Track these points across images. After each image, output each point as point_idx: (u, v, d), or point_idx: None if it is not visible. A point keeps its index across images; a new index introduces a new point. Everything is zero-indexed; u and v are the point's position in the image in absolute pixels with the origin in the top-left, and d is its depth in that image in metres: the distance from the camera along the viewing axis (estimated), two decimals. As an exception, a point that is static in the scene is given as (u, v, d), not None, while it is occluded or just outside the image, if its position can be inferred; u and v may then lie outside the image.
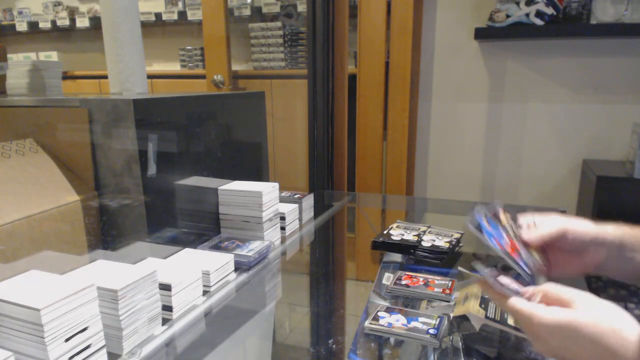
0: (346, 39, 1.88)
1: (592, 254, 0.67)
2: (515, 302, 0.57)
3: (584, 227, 0.67)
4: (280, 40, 2.67)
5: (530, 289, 0.59)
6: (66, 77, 3.02)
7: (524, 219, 0.72)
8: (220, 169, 1.18)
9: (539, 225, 0.69)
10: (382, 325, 0.76)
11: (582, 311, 0.52)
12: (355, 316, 0.84)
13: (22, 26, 3.35)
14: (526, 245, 0.68)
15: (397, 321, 0.77)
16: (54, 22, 3.27)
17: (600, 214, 1.68)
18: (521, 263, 0.65)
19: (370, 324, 0.77)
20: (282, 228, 1.23)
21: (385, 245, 1.13)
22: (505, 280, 0.61)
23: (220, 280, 0.93)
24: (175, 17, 2.98)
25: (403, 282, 0.94)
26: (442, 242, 1.11)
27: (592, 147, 1.99)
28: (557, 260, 0.69)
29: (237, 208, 1.13)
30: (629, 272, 0.67)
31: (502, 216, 0.73)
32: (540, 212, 0.73)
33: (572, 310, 0.52)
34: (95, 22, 3.18)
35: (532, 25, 1.83)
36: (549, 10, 1.80)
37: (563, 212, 1.45)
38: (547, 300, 0.56)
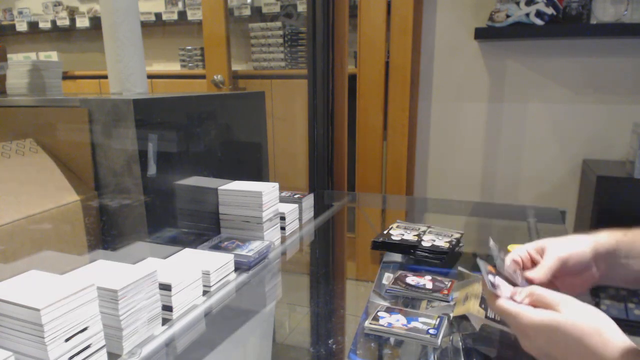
0: (346, 39, 1.88)
1: (593, 271, 0.68)
2: (502, 302, 0.60)
3: (581, 249, 0.68)
4: (280, 40, 2.67)
5: (519, 290, 0.61)
6: (66, 77, 3.02)
7: (518, 255, 0.71)
8: (220, 169, 1.18)
9: (539, 263, 0.69)
10: (382, 325, 0.76)
11: (567, 313, 0.54)
12: (355, 316, 0.84)
13: (22, 26, 3.35)
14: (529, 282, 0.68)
15: (397, 321, 0.77)
16: (54, 22, 3.27)
17: (600, 214, 1.68)
18: None
19: (370, 324, 0.77)
20: (282, 228, 1.23)
21: (385, 245, 1.13)
22: (499, 280, 0.63)
23: (220, 280, 0.93)
24: (175, 17, 2.98)
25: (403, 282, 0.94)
26: (442, 242, 1.10)
27: (592, 147, 1.99)
28: (560, 285, 0.70)
29: (237, 208, 1.13)
30: (623, 278, 0.69)
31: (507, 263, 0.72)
32: (533, 241, 0.73)
33: (557, 312, 0.55)
34: (95, 22, 3.18)
35: (532, 25, 1.83)
36: (549, 10, 1.80)
37: (563, 212, 1.45)
38: (534, 302, 0.59)
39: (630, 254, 0.67)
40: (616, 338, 0.51)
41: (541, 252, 0.71)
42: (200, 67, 2.94)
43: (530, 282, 0.67)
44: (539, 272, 0.68)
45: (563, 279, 0.69)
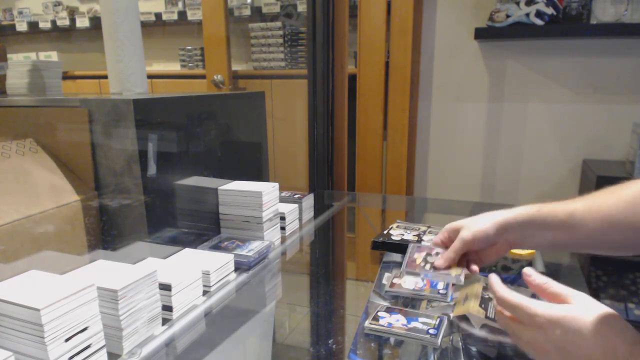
0: (346, 39, 1.88)
1: (503, 242, 0.79)
2: (513, 296, 0.61)
3: (484, 228, 0.78)
4: (280, 40, 2.67)
5: (533, 275, 0.64)
6: (66, 77, 3.02)
7: (439, 238, 0.89)
8: (220, 169, 1.18)
9: (448, 248, 0.84)
10: (382, 325, 0.76)
11: (582, 306, 0.56)
12: (355, 316, 0.84)
13: (22, 26, 3.35)
14: (446, 267, 0.84)
15: (397, 321, 0.77)
16: (54, 22, 3.27)
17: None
18: (441, 288, 0.85)
19: (370, 324, 0.77)
20: (282, 228, 1.23)
21: (385, 245, 1.13)
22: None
23: (220, 280, 0.93)
24: (175, 17, 2.99)
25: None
26: (442, 242, 1.10)
27: (592, 147, 1.99)
28: (478, 258, 0.85)
29: (237, 208, 1.13)
30: (540, 245, 0.77)
31: (418, 259, 0.89)
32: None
33: (572, 305, 0.56)
34: (95, 22, 3.18)
35: (532, 25, 1.83)
36: (549, 10, 1.80)
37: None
38: (544, 294, 0.61)
39: (545, 225, 0.73)
40: (629, 330, 0.52)
41: (456, 233, 0.84)
42: (200, 67, 2.94)
43: (437, 268, 0.84)
44: (447, 256, 0.84)
45: (476, 253, 0.84)
